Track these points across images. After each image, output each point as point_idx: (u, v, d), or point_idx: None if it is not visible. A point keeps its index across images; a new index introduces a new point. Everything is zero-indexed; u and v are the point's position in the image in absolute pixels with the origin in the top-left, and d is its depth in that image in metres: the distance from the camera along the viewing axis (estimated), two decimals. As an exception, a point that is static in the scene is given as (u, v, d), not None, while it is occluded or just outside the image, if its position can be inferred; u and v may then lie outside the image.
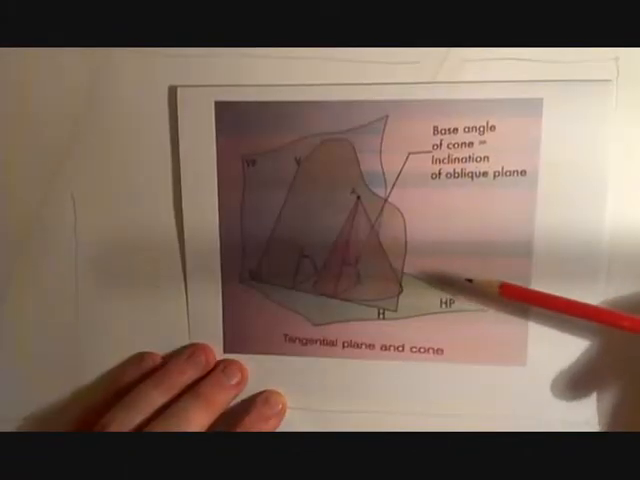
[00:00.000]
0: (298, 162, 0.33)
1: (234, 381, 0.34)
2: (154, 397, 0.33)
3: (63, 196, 0.34)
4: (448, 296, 0.33)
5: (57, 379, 0.36)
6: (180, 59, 0.32)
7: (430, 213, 0.32)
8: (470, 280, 0.32)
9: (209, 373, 0.34)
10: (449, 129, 0.31)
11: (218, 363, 0.34)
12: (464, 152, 0.31)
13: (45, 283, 0.35)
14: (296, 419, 0.34)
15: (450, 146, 0.31)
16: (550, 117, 0.31)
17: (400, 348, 0.33)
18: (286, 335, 0.34)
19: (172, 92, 0.33)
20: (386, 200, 0.32)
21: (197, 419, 0.32)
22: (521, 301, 0.31)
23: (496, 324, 0.32)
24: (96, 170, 0.34)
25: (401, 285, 0.33)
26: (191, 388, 0.33)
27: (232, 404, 0.34)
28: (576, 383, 0.32)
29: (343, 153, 0.32)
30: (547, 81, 0.30)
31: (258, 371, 0.35)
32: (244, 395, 0.35)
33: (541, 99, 0.30)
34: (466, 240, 0.32)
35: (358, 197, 0.32)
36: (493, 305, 0.32)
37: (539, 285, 0.31)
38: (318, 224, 0.33)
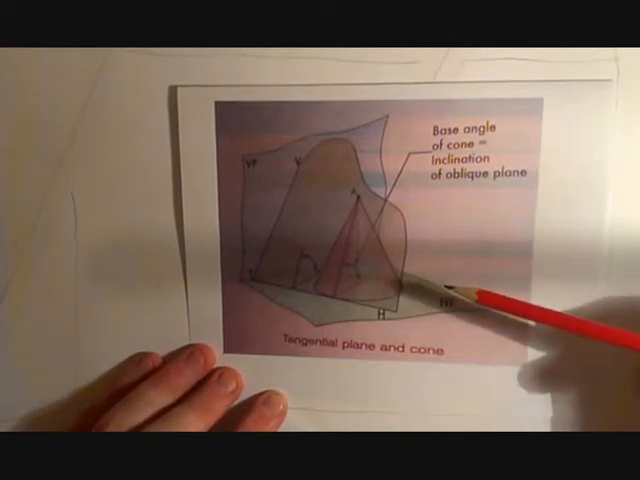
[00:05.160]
0: (298, 162, 0.33)
1: (230, 389, 0.34)
2: (153, 397, 0.33)
3: (63, 196, 0.34)
4: (448, 296, 0.33)
5: (57, 379, 0.36)
6: (180, 59, 0.32)
7: (430, 213, 0.32)
8: (451, 287, 0.32)
9: (204, 382, 0.34)
10: (449, 129, 0.31)
11: (214, 371, 0.34)
12: (464, 152, 0.31)
13: (45, 283, 0.35)
14: (296, 419, 0.34)
15: (450, 146, 0.31)
16: (550, 117, 0.31)
17: (400, 348, 0.33)
18: (286, 335, 0.34)
19: (172, 92, 0.33)
20: (386, 200, 0.32)
21: (193, 427, 0.32)
22: (499, 309, 0.31)
23: (496, 324, 0.32)
24: (96, 170, 0.34)
25: (401, 285, 0.33)
26: (187, 397, 0.33)
27: (233, 405, 0.34)
28: (576, 383, 0.32)
29: (343, 153, 0.32)
30: (547, 81, 0.30)
31: (258, 371, 0.35)
32: (245, 396, 0.35)
33: (541, 99, 0.30)
34: (466, 240, 0.32)
35: (358, 197, 0.32)
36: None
37: (539, 285, 0.32)
38: (318, 224, 0.33)
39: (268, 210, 0.33)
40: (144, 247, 0.34)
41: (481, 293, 0.31)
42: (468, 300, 0.31)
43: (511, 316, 0.32)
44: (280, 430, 0.34)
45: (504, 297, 0.31)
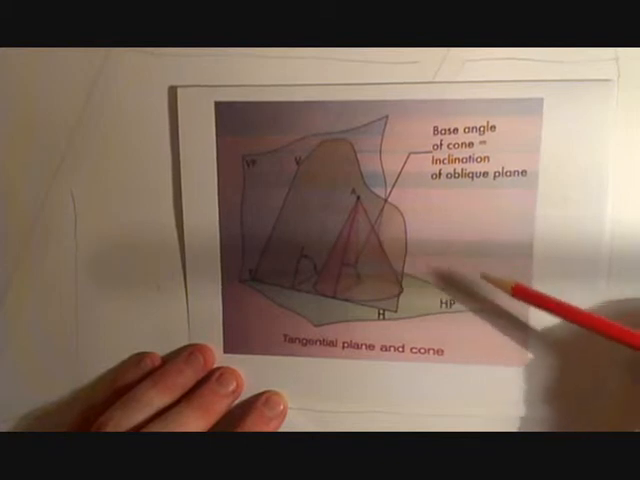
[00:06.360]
0: (298, 162, 0.33)
1: (230, 389, 0.34)
2: (152, 397, 0.33)
3: (63, 196, 0.34)
4: (448, 296, 0.33)
5: (56, 379, 0.36)
6: (180, 59, 0.32)
7: (430, 213, 0.32)
8: (487, 277, 0.31)
9: (205, 381, 0.34)
10: (449, 129, 0.31)
11: (213, 371, 0.34)
12: (464, 152, 0.31)
13: (45, 283, 0.35)
14: (296, 419, 0.34)
15: (450, 146, 0.31)
16: (550, 117, 0.31)
17: (400, 348, 0.33)
18: (286, 335, 0.34)
19: (172, 92, 0.33)
20: (386, 200, 0.32)
21: (193, 426, 0.32)
22: (532, 304, 0.31)
23: (496, 324, 0.32)
24: (96, 170, 0.34)
25: (401, 285, 0.33)
26: (187, 396, 0.33)
27: (233, 405, 0.34)
28: (576, 383, 0.32)
29: (343, 153, 0.32)
30: (547, 81, 0.30)
31: (258, 371, 0.35)
32: (245, 396, 0.35)
33: (541, 99, 0.30)
34: (466, 240, 0.32)
35: (358, 197, 0.32)
36: (493, 305, 0.32)
37: (539, 285, 0.31)
38: (318, 224, 0.33)
39: (268, 210, 0.33)
40: (144, 247, 0.34)
41: (517, 287, 0.30)
42: (502, 291, 0.31)
43: (511, 316, 0.32)
44: (280, 430, 0.34)
45: (539, 293, 0.30)
